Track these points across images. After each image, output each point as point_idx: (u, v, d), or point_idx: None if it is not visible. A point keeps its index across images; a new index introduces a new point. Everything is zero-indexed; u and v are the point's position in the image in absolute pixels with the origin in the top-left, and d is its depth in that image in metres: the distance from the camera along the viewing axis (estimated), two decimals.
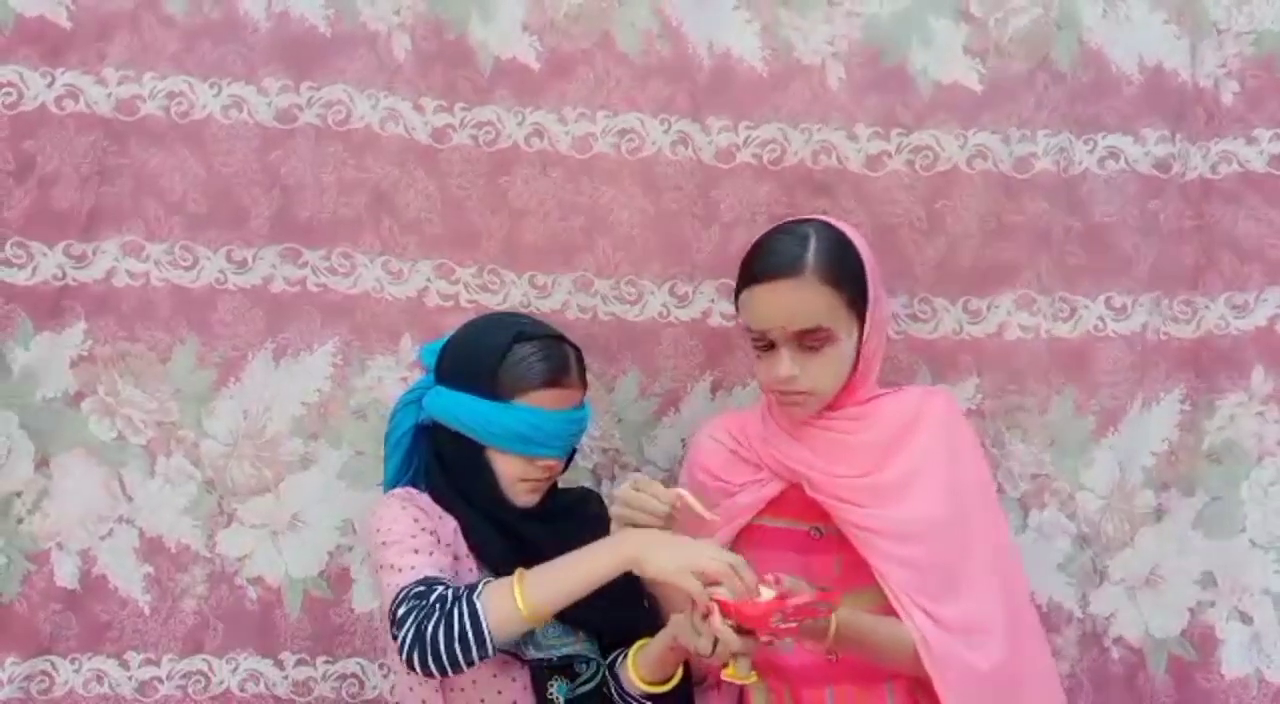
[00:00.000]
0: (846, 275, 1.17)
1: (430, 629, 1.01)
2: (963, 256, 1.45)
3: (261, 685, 1.34)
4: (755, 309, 1.18)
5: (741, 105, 1.43)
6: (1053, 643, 1.43)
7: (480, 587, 1.04)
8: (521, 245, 1.43)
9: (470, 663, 1.02)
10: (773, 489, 1.22)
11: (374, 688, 1.36)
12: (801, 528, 1.21)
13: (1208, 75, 1.50)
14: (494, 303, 1.42)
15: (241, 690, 1.34)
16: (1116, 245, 1.47)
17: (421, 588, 1.04)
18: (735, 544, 1.22)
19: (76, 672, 1.32)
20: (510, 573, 1.08)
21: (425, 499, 1.20)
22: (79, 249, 1.34)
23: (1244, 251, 1.49)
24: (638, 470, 1.47)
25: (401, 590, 1.04)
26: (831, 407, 1.22)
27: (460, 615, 1.01)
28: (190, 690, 1.34)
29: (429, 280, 1.41)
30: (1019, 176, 1.46)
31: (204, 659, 1.34)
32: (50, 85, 1.32)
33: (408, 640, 1.01)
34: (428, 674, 1.03)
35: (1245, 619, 1.45)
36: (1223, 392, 1.48)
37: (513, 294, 1.43)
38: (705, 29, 1.43)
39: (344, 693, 1.36)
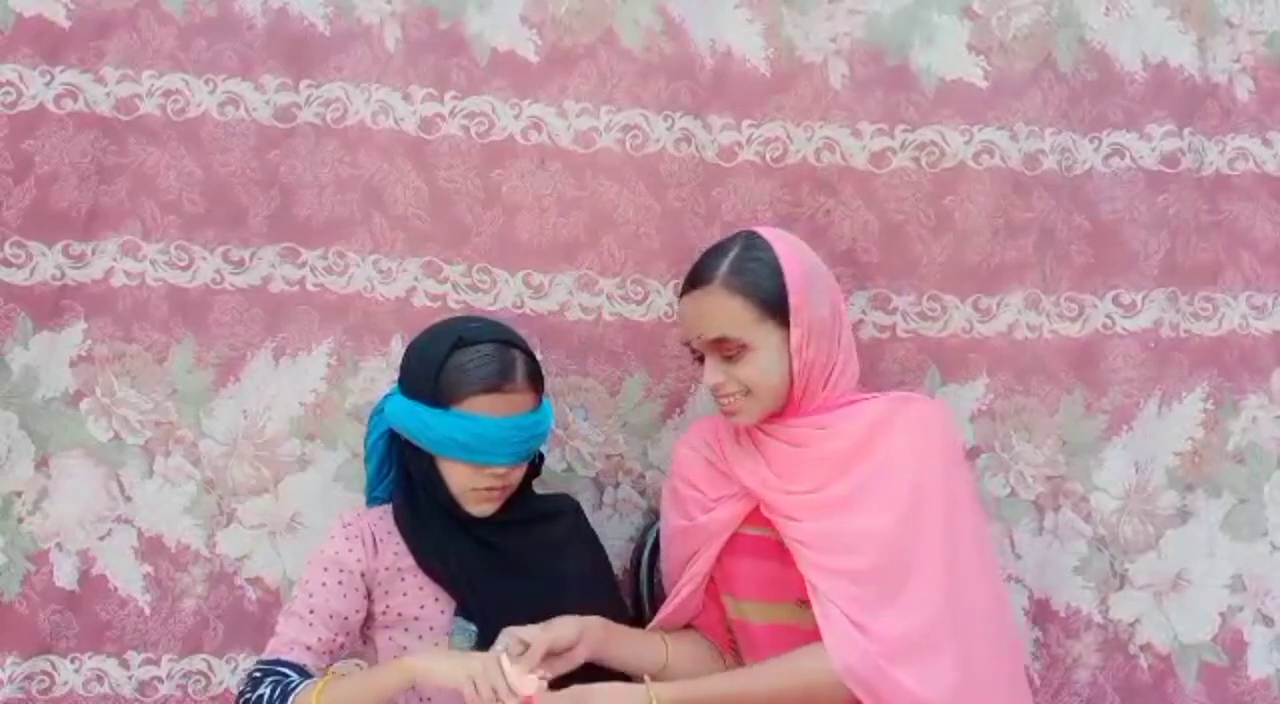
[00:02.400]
0: (755, 284, 1.27)
1: None
2: (971, 254, 1.55)
3: None
4: (679, 320, 1.35)
5: (744, 103, 1.54)
6: (1072, 649, 1.55)
7: (292, 697, 1.20)
8: (515, 242, 1.52)
9: None
10: (746, 505, 1.31)
11: None
12: (775, 537, 1.29)
13: (1222, 70, 1.61)
14: (484, 303, 1.51)
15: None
16: (1124, 242, 1.58)
17: (258, 674, 1.23)
18: (720, 554, 1.33)
19: (77, 671, 1.45)
20: (471, 588, 1.26)
21: (375, 519, 1.33)
22: (78, 249, 1.47)
23: (1261, 253, 1.60)
24: (641, 477, 1.57)
25: (256, 664, 1.26)
26: (791, 415, 1.31)
27: None
28: (190, 690, 1.47)
29: (417, 280, 1.51)
30: (1028, 173, 1.56)
31: (204, 659, 1.48)
32: (49, 84, 1.45)
33: None
34: None
35: (1268, 622, 1.56)
36: (1245, 391, 1.59)
37: (505, 294, 1.52)
38: (707, 27, 1.54)
39: None
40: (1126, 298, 1.58)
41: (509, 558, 1.30)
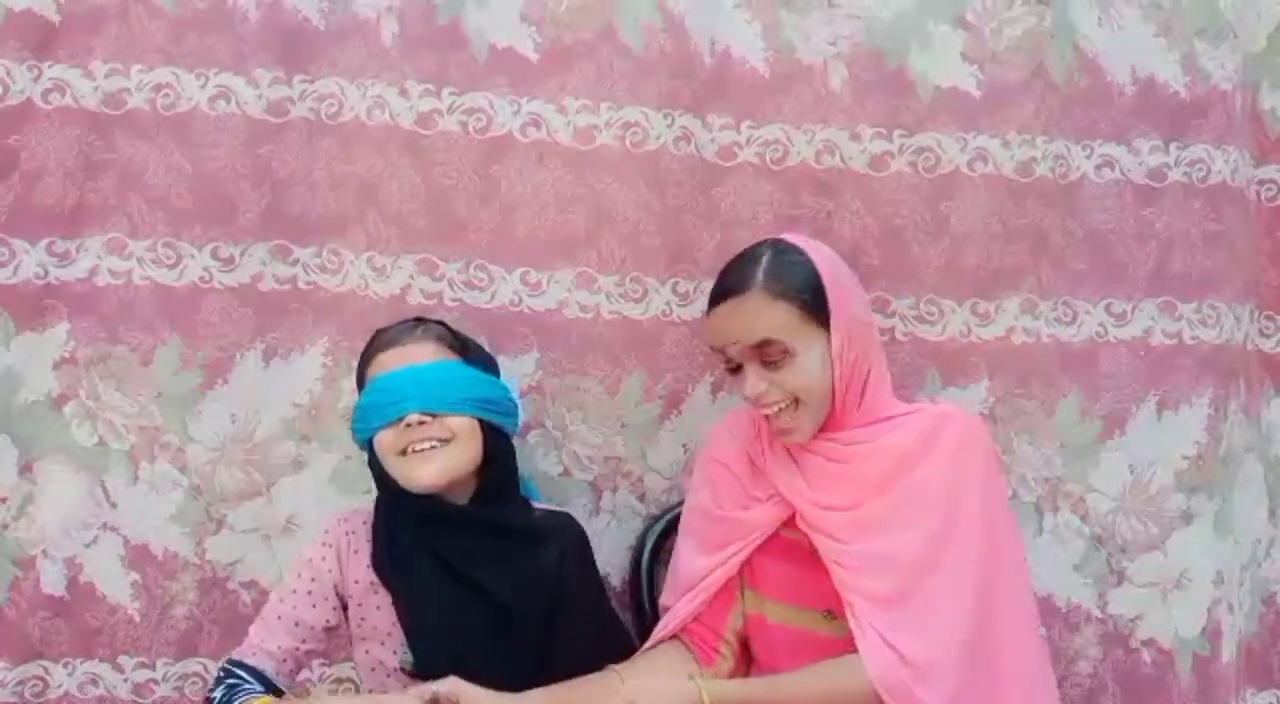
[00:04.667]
0: (796, 287, 1.33)
1: None
2: (969, 258, 1.70)
3: None
4: (712, 330, 1.39)
5: (743, 104, 1.66)
6: (1073, 642, 1.72)
7: None
8: (513, 239, 1.62)
9: None
10: (784, 510, 1.38)
11: (368, 690, 1.55)
12: (809, 544, 1.36)
13: (1227, 79, 1.77)
14: (481, 301, 1.60)
15: None
16: (1114, 252, 1.74)
17: (222, 673, 1.33)
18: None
19: (70, 675, 1.54)
20: (419, 615, 1.32)
21: (358, 525, 1.40)
22: (62, 247, 1.53)
23: (1240, 265, 1.77)
24: (640, 480, 1.66)
25: (224, 662, 1.35)
26: (834, 428, 1.36)
27: None
28: (188, 692, 1.56)
29: (412, 277, 1.60)
30: (1021, 180, 1.71)
31: (199, 662, 1.57)
32: (37, 79, 1.52)
33: None
34: None
35: (1232, 609, 1.76)
36: (1231, 399, 1.77)
37: (502, 292, 1.61)
38: (707, 26, 1.66)
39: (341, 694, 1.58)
40: (1118, 307, 1.75)
41: (473, 587, 1.33)
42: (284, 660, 1.34)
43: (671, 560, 1.51)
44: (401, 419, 1.31)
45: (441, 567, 1.34)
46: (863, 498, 1.33)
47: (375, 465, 1.38)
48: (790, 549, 1.39)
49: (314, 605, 1.36)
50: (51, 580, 1.53)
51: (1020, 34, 1.71)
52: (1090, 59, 1.74)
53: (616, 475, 1.66)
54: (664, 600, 1.49)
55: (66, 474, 1.54)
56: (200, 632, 1.57)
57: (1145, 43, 1.75)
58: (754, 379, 1.34)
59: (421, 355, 1.35)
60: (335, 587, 1.38)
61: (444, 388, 1.33)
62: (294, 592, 1.37)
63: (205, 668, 1.57)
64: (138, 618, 1.55)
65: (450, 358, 1.37)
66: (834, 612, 1.34)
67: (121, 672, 1.55)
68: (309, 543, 1.42)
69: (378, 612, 1.37)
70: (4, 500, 1.53)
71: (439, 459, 1.33)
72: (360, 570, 1.37)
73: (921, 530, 1.29)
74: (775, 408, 1.35)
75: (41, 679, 1.53)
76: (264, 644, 1.34)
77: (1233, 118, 1.77)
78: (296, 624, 1.35)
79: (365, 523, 1.41)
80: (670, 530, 1.62)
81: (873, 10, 1.68)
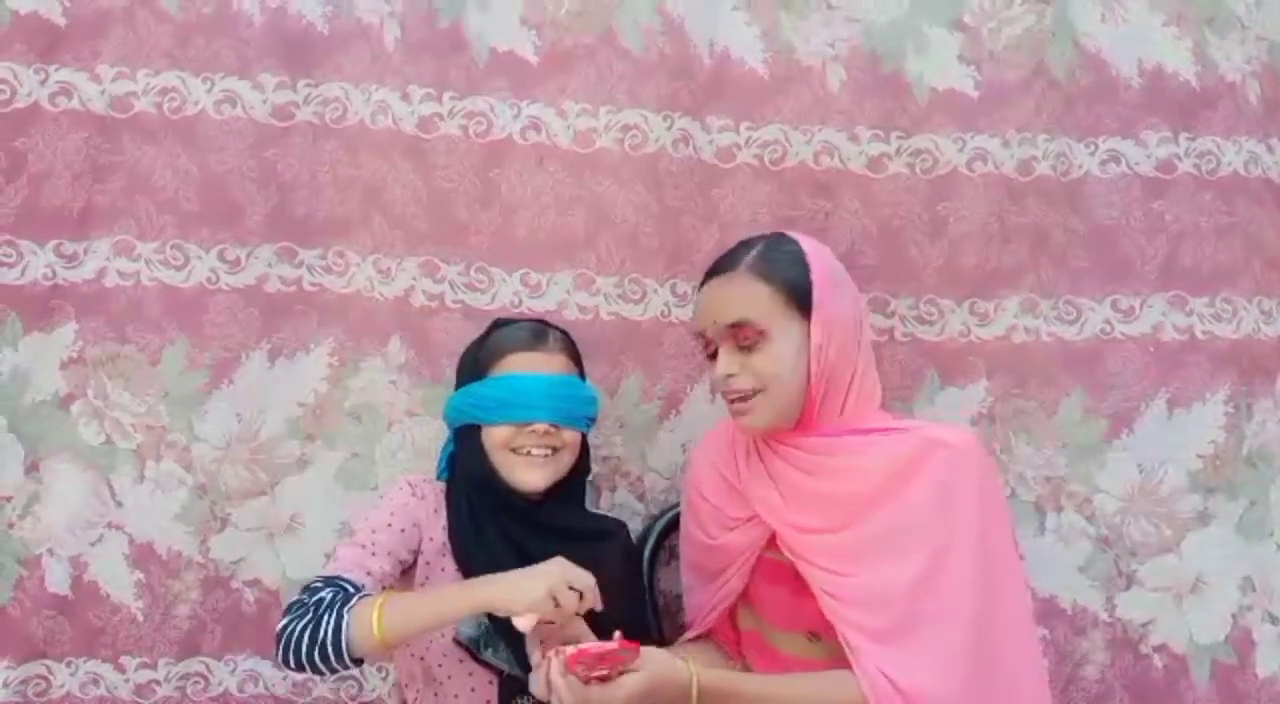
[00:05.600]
0: (782, 272, 1.31)
1: (299, 629, 1.22)
2: (967, 258, 1.70)
3: (260, 686, 1.57)
4: (695, 312, 1.39)
5: (742, 105, 1.67)
6: (1079, 646, 1.69)
7: (355, 600, 1.22)
8: (513, 242, 1.63)
9: (330, 670, 1.22)
10: (765, 531, 1.35)
11: (373, 689, 1.59)
12: (791, 565, 1.33)
13: (1236, 69, 1.76)
14: (482, 303, 1.62)
15: (240, 691, 1.57)
16: (1121, 247, 1.73)
17: (318, 584, 1.26)
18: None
19: (73, 675, 1.55)
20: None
21: (436, 492, 1.42)
22: (70, 248, 1.56)
23: (1268, 258, 1.75)
24: (639, 479, 1.67)
25: (314, 579, 1.29)
26: (807, 429, 1.32)
27: (327, 624, 1.21)
28: (189, 691, 1.57)
29: (414, 279, 1.62)
30: (1021, 179, 1.71)
31: (202, 661, 1.57)
32: (44, 82, 1.54)
33: (278, 632, 1.23)
34: (288, 668, 1.23)
35: (1274, 620, 1.71)
36: (1257, 395, 1.73)
37: (502, 293, 1.63)
38: (706, 29, 1.67)
39: (343, 694, 1.59)
40: (1124, 303, 1.73)
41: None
42: (377, 585, 1.30)
43: (683, 586, 1.52)
44: (529, 424, 1.35)
45: (520, 557, 1.33)
46: (845, 521, 1.29)
47: (464, 447, 1.40)
48: (773, 570, 1.37)
49: (404, 545, 1.35)
50: (56, 579, 1.54)
51: (1020, 33, 1.72)
52: (1093, 55, 1.74)
53: (616, 475, 1.67)
54: (688, 618, 1.51)
55: (73, 473, 1.55)
56: (203, 631, 1.58)
57: (1153, 33, 1.74)
58: (725, 360, 1.33)
59: (556, 365, 1.40)
60: (419, 533, 1.37)
61: (572, 403, 1.40)
62: (389, 527, 1.35)
63: (207, 667, 1.58)
64: (140, 617, 1.56)
65: (574, 372, 1.43)
66: (817, 634, 1.33)
67: (123, 672, 1.56)
68: (394, 492, 1.39)
69: (442, 574, 1.37)
70: (10, 499, 1.54)
71: (549, 467, 1.39)
72: (436, 530, 1.38)
73: (916, 562, 1.24)
74: (739, 395, 1.33)
75: (44, 678, 1.54)
76: (363, 563, 1.30)
77: (1243, 109, 1.76)
78: (390, 553, 1.34)
79: (436, 493, 1.41)
80: (670, 530, 1.62)
81: (871, 13, 1.69)
